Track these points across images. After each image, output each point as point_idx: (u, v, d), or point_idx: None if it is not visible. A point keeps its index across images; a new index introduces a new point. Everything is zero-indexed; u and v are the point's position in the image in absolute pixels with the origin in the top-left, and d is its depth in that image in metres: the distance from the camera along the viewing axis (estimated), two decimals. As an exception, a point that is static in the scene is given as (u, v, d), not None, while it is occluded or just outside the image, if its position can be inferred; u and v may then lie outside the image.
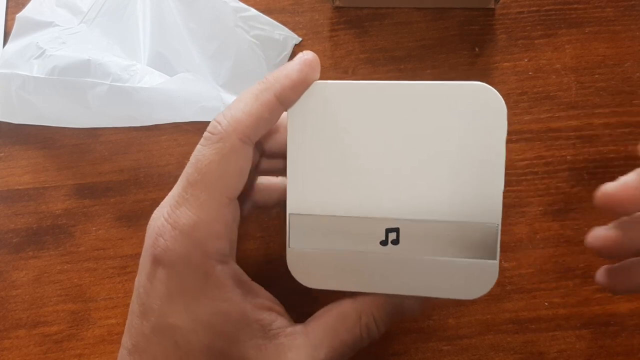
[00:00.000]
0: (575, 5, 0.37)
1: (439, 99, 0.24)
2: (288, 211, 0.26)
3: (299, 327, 0.25)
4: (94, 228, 0.35)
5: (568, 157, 0.35)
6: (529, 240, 0.33)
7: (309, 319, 0.26)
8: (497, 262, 0.24)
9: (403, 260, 0.25)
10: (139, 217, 0.35)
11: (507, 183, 0.26)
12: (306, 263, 0.26)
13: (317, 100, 0.25)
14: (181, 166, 0.35)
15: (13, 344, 0.34)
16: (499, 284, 0.33)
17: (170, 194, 0.25)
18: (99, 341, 0.34)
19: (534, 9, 0.37)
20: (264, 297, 0.26)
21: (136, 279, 0.25)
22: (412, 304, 0.26)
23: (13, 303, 0.34)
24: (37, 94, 0.35)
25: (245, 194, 0.28)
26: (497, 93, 0.24)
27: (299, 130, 0.26)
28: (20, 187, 0.36)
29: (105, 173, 0.36)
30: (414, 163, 0.25)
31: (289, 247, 0.26)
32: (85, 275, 0.34)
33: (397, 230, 0.25)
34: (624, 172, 0.34)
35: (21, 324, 0.34)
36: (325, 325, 0.25)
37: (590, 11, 0.37)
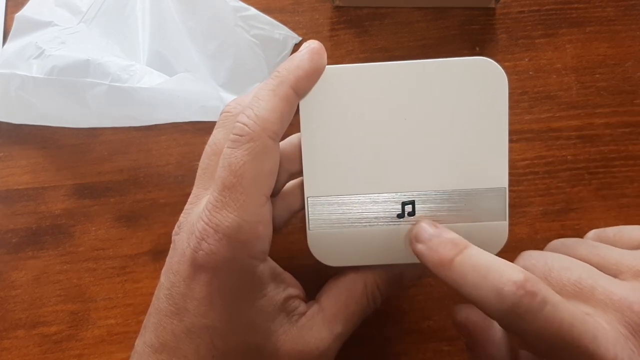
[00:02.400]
0: (575, 5, 0.37)
1: (444, 75, 0.26)
2: (306, 195, 0.27)
3: (315, 307, 0.26)
4: (93, 228, 0.35)
5: (569, 157, 0.34)
6: (529, 241, 0.33)
7: (319, 294, 0.27)
8: (506, 222, 0.26)
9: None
10: (138, 217, 0.35)
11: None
12: (327, 244, 0.27)
13: (324, 85, 0.26)
14: (181, 166, 0.36)
15: (12, 344, 0.34)
16: (499, 284, 0.33)
17: (206, 198, 0.25)
18: (98, 341, 0.33)
19: (535, 8, 0.37)
20: (292, 285, 0.27)
21: (164, 278, 0.25)
22: (410, 272, 0.28)
23: (12, 303, 0.34)
24: (37, 94, 0.35)
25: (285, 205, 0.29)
26: (498, 65, 0.25)
27: (310, 115, 0.26)
28: (19, 187, 0.36)
29: (104, 173, 0.36)
30: (423, 137, 0.26)
31: (309, 229, 0.27)
32: (84, 275, 0.34)
33: (412, 202, 0.26)
34: (624, 172, 0.34)
35: (20, 324, 0.34)
36: (337, 300, 0.27)
37: (590, 11, 0.36)
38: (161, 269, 0.26)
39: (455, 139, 0.26)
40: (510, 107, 0.35)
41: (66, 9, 0.37)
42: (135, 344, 0.26)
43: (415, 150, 0.26)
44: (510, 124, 0.35)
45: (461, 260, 0.23)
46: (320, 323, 0.26)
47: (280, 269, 0.27)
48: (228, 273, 0.24)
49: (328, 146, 0.26)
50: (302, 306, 0.26)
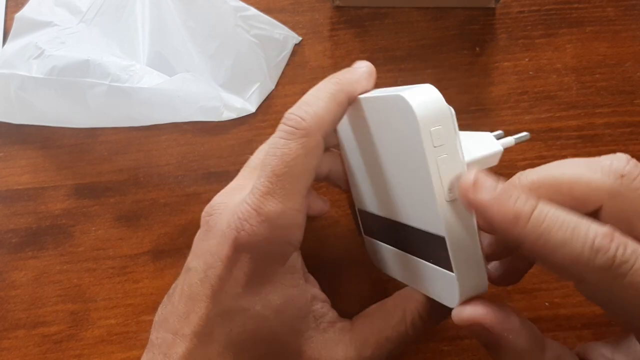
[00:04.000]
0: (575, 5, 0.37)
1: (381, 112, 0.24)
2: (356, 206, 0.30)
3: (347, 324, 0.27)
4: (93, 228, 0.35)
5: (569, 156, 0.34)
6: (529, 241, 0.33)
7: (355, 317, 0.27)
8: (454, 275, 0.22)
9: (408, 258, 0.26)
10: (138, 217, 0.35)
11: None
12: (377, 252, 0.29)
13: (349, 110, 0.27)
14: (181, 166, 0.36)
15: (12, 344, 0.34)
16: (499, 284, 0.33)
17: (252, 184, 0.25)
18: (98, 341, 0.33)
19: (535, 8, 0.37)
20: (317, 286, 0.27)
21: (197, 262, 0.25)
22: None
23: (12, 303, 0.34)
24: (36, 94, 0.35)
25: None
26: (408, 101, 0.21)
27: (343, 134, 0.28)
28: (19, 187, 0.36)
29: (104, 173, 0.36)
30: (383, 172, 0.26)
31: (363, 235, 0.30)
32: (84, 275, 0.34)
33: (398, 231, 0.26)
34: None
35: (20, 324, 0.34)
36: (371, 324, 0.27)
37: (590, 11, 0.36)
38: (161, 268, 0.26)
39: (399, 177, 0.24)
40: (510, 107, 0.36)
41: (66, 9, 0.37)
42: (153, 337, 0.26)
43: (382, 182, 0.26)
44: (510, 124, 0.35)
45: (540, 215, 0.20)
46: (348, 341, 0.26)
47: (306, 268, 0.27)
48: (266, 256, 0.24)
49: (356, 167, 0.28)
50: (330, 314, 0.27)
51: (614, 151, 0.34)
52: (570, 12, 0.37)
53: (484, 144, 0.26)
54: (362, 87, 0.26)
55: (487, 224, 0.21)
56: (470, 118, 0.35)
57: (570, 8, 0.37)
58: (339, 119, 0.25)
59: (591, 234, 0.19)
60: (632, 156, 0.34)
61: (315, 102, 0.25)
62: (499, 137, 0.26)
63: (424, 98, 0.21)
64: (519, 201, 0.20)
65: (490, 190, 0.20)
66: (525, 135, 0.27)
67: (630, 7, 0.36)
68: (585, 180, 0.21)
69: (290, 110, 0.25)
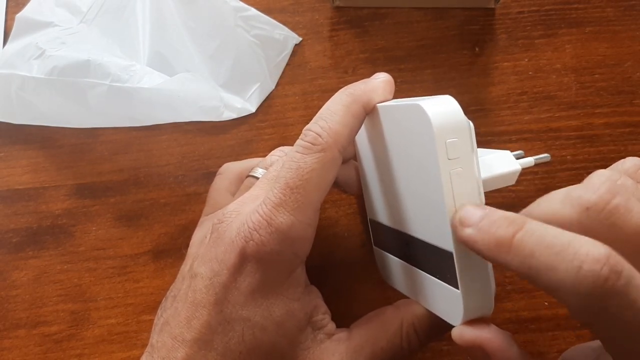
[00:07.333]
0: (575, 5, 0.37)
1: (398, 121, 0.24)
2: (368, 216, 0.29)
3: (343, 334, 0.26)
4: (94, 228, 0.35)
5: (568, 157, 0.35)
6: (529, 240, 0.33)
7: (353, 324, 0.27)
8: (459, 292, 0.22)
9: (415, 272, 0.26)
10: (139, 217, 0.35)
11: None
12: (385, 263, 0.29)
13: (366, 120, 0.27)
14: (181, 166, 0.36)
15: (13, 343, 0.34)
16: (499, 283, 0.33)
17: (265, 195, 0.25)
18: (98, 341, 0.34)
19: (534, 8, 0.37)
20: (319, 297, 0.27)
21: (204, 268, 0.25)
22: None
23: (13, 303, 0.34)
24: (37, 95, 0.35)
25: None
26: (426, 111, 0.21)
27: (361, 145, 0.28)
28: (20, 187, 0.36)
29: (105, 173, 0.36)
30: (396, 183, 0.25)
31: (373, 245, 0.30)
32: (85, 275, 0.34)
33: (407, 244, 0.26)
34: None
35: (21, 323, 0.34)
36: (367, 332, 0.26)
37: (590, 11, 0.37)
38: (162, 268, 0.26)
39: (412, 188, 0.24)
40: (510, 107, 0.36)
41: (66, 9, 0.37)
42: (154, 341, 0.26)
43: (393, 192, 0.26)
44: (510, 124, 0.35)
45: (523, 238, 0.19)
46: (343, 351, 0.26)
47: (308, 281, 0.27)
48: (272, 267, 0.24)
49: (370, 177, 0.28)
50: (329, 325, 0.26)
51: (613, 151, 0.34)
52: (570, 13, 0.37)
53: (502, 162, 0.25)
54: (378, 96, 0.26)
55: (480, 255, 0.21)
56: (470, 118, 0.35)
57: (570, 8, 0.37)
58: (356, 130, 0.25)
59: (580, 257, 0.18)
60: (631, 156, 0.34)
61: (331, 116, 0.25)
62: (518, 157, 0.26)
63: (442, 109, 0.21)
64: (500, 227, 0.20)
65: (476, 223, 0.20)
66: (546, 157, 0.27)
67: (629, 7, 0.36)
68: (559, 217, 0.20)
69: (307, 127, 0.25)
